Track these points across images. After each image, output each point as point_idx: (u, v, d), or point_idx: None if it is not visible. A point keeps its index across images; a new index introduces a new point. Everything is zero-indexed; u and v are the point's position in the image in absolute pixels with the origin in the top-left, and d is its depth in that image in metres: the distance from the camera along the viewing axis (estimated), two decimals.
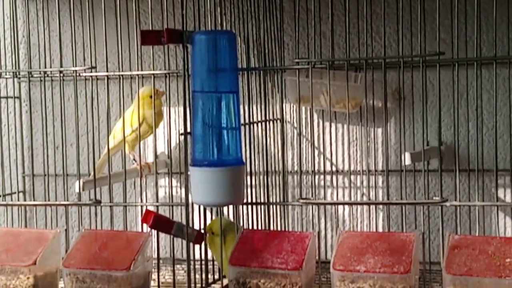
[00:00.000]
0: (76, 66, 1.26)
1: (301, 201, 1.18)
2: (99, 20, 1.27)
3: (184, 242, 1.20)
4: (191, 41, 1.14)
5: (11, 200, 1.48)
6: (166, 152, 1.52)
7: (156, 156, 1.37)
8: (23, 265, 1.15)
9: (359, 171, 1.44)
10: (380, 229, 1.45)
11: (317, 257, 1.17)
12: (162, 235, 1.24)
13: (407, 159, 1.24)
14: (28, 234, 1.22)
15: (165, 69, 1.33)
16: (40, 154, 1.52)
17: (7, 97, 1.52)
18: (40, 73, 1.35)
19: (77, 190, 1.29)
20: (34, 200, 1.51)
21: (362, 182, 1.44)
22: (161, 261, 1.47)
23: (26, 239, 1.20)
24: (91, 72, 1.26)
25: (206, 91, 1.14)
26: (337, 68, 1.33)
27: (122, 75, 1.28)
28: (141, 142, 1.49)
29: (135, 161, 1.43)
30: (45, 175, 1.43)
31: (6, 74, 1.37)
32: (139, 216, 1.53)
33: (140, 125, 1.33)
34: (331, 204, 1.35)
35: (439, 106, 1.16)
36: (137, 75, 1.29)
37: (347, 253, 1.11)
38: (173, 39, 1.13)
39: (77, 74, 1.26)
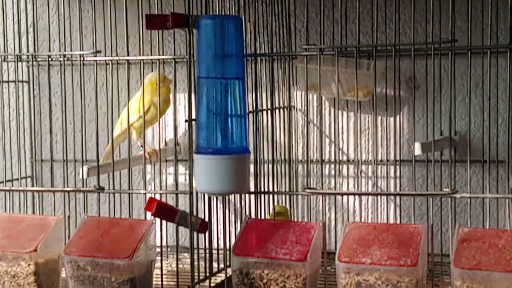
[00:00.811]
0: (83, 50, 1.24)
1: (307, 190, 1.15)
2: (108, 5, 1.26)
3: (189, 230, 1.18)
4: (197, 25, 1.11)
5: (20, 185, 1.47)
6: (174, 139, 1.50)
7: (165, 143, 1.36)
8: (24, 251, 1.14)
9: (370, 160, 1.41)
10: (392, 220, 1.41)
11: (323, 248, 1.15)
12: (166, 223, 1.22)
13: (417, 149, 1.21)
14: (30, 220, 1.21)
15: (174, 55, 1.31)
16: (48, 139, 1.51)
17: (16, 81, 1.50)
18: (44, 57, 1.34)
19: (81, 177, 1.28)
20: (41, 186, 1.50)
21: (373, 172, 1.41)
22: (168, 249, 1.46)
23: (28, 225, 1.19)
24: (96, 56, 1.24)
25: (211, 77, 1.11)
26: (349, 55, 1.30)
27: (128, 60, 1.25)
28: (150, 129, 1.47)
29: (142, 148, 1.41)
30: (52, 160, 1.42)
31: (8, 58, 1.36)
32: (143, 204, 1.52)
33: (147, 111, 1.31)
34: (337, 194, 1.32)
35: (452, 95, 1.13)
36: (145, 60, 1.27)
37: (353, 244, 1.09)
38: (179, 23, 1.11)
39: (82, 58, 1.24)
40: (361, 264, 1.06)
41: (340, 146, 1.44)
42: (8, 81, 1.42)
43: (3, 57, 1.31)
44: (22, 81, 1.52)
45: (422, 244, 1.07)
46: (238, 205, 1.29)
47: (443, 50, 1.15)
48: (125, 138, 1.43)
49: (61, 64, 1.28)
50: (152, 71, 1.39)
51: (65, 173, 1.31)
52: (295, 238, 1.12)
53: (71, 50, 1.26)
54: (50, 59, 1.31)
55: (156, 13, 1.28)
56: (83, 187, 1.28)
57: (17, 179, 1.44)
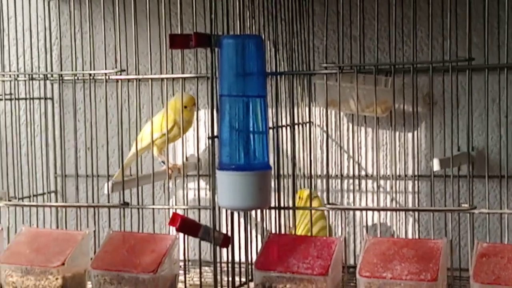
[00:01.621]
0: (107, 68, 1.27)
1: (328, 206, 1.17)
2: (130, 23, 1.28)
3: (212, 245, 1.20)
4: (219, 45, 1.14)
5: (43, 200, 1.50)
6: (195, 155, 1.52)
7: (186, 159, 1.38)
8: (52, 266, 1.17)
9: (388, 176, 1.43)
10: (410, 235, 1.43)
11: (344, 263, 1.17)
12: (189, 238, 1.25)
13: (435, 165, 1.23)
14: (57, 235, 1.24)
15: (196, 73, 1.34)
16: (71, 155, 1.54)
17: (39, 98, 1.54)
18: (71, 76, 1.37)
19: (106, 192, 1.30)
20: (65, 201, 1.53)
21: (391, 187, 1.43)
22: (190, 263, 1.48)
23: (55, 239, 1.21)
24: (121, 75, 1.27)
25: (233, 95, 1.14)
26: (367, 72, 1.32)
27: (152, 79, 1.28)
28: (171, 145, 1.50)
29: (163, 163, 1.44)
30: (76, 176, 1.45)
31: (38, 77, 1.39)
32: (168, 217, 1.55)
33: (170, 129, 1.34)
34: (357, 209, 1.34)
35: (470, 112, 1.15)
36: (167, 78, 1.30)
37: (373, 259, 1.10)
38: (201, 43, 1.14)
39: (107, 77, 1.27)
40: (382, 279, 1.08)
41: (359, 162, 1.46)
42: (32, 98, 1.45)
43: (30, 75, 1.34)
44: (46, 98, 1.55)
45: (442, 259, 1.09)
46: (259, 219, 1.31)
47: (461, 68, 1.17)
48: (143, 153, 1.45)
49: (84, 82, 1.31)
50: (173, 88, 1.41)
51: (92, 188, 1.34)
52: (316, 252, 1.14)
53: (94, 68, 1.29)
54: (76, 77, 1.34)
55: (177, 31, 1.30)
56: (108, 202, 1.30)
57: (41, 194, 1.47)
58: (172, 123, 1.37)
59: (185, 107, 1.37)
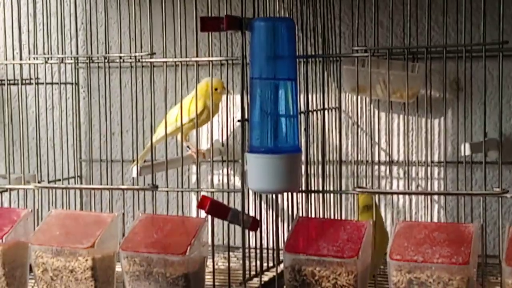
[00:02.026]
0: (136, 52, 1.27)
1: (358, 189, 1.17)
2: (157, 8, 1.28)
3: (238, 229, 1.20)
4: (250, 28, 1.14)
5: (69, 184, 1.50)
6: (220, 140, 1.52)
7: (211, 144, 1.38)
8: (82, 247, 1.17)
9: (414, 162, 1.43)
10: (436, 221, 1.43)
11: (373, 247, 1.16)
12: (216, 222, 1.25)
13: (467, 150, 1.23)
14: (86, 217, 1.24)
15: (221, 56, 1.33)
16: (97, 139, 1.54)
17: (65, 83, 1.54)
18: (99, 59, 1.37)
19: (133, 175, 1.31)
20: (91, 185, 1.54)
21: (417, 173, 1.43)
22: (215, 248, 1.48)
23: (84, 222, 1.22)
24: (150, 58, 1.27)
25: (264, 78, 1.14)
26: (395, 57, 1.32)
27: (180, 62, 1.28)
28: (194, 130, 1.50)
29: (189, 149, 1.44)
30: (101, 160, 1.45)
31: (67, 59, 1.39)
32: (192, 202, 1.55)
33: (200, 114, 1.34)
34: (387, 193, 1.34)
35: (501, 96, 1.15)
36: (195, 61, 1.30)
37: (404, 242, 1.10)
38: (232, 25, 1.14)
39: (137, 60, 1.27)
40: (412, 262, 1.08)
41: (384, 148, 1.45)
42: (60, 83, 1.45)
43: (61, 59, 1.34)
44: (73, 83, 1.55)
45: (473, 243, 1.08)
46: (286, 204, 1.31)
47: (490, 52, 1.17)
48: (169, 138, 1.45)
49: (118, 66, 1.31)
50: (198, 72, 1.41)
51: (121, 173, 1.34)
52: (346, 236, 1.13)
53: (120, 52, 1.29)
54: (105, 60, 1.34)
55: (208, 15, 1.30)
56: (136, 185, 1.30)
57: (66, 178, 1.48)
58: (202, 107, 1.37)
59: (216, 89, 1.37)
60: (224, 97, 1.42)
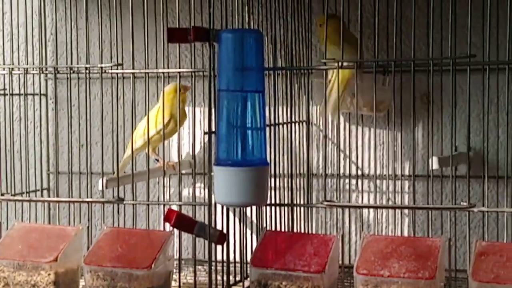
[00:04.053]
0: (103, 63, 1.26)
1: (326, 203, 1.16)
2: (126, 19, 1.27)
3: (206, 243, 1.19)
4: (217, 39, 1.13)
5: (35, 197, 1.48)
6: (190, 153, 1.51)
7: (180, 156, 1.36)
8: (45, 261, 1.15)
9: (385, 175, 1.42)
10: (405, 235, 1.42)
11: (340, 261, 1.15)
12: (184, 236, 1.23)
13: (434, 163, 1.22)
14: (50, 230, 1.22)
15: (191, 68, 1.32)
16: (65, 152, 1.52)
17: (33, 94, 1.52)
18: (66, 69, 1.35)
19: (100, 188, 1.29)
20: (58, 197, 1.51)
21: (388, 187, 1.42)
22: (182, 262, 1.46)
23: (48, 235, 1.20)
24: (117, 69, 1.25)
25: (231, 90, 1.13)
26: (365, 70, 1.31)
27: (148, 73, 1.27)
28: (166, 142, 1.49)
29: (157, 161, 1.42)
30: (69, 173, 1.43)
31: (33, 70, 1.37)
32: (162, 216, 1.53)
33: (166, 124, 1.33)
34: (355, 207, 1.33)
35: (469, 110, 1.14)
36: (163, 73, 1.29)
37: (371, 257, 1.09)
38: (200, 37, 1.13)
39: (103, 71, 1.26)
40: (379, 277, 1.07)
41: (355, 161, 1.45)
42: (27, 94, 1.43)
43: (25, 69, 1.32)
44: (40, 94, 1.53)
45: (440, 258, 1.08)
46: (254, 217, 1.30)
47: (460, 66, 1.17)
48: (140, 152, 1.44)
49: (85, 77, 1.29)
50: (169, 83, 1.40)
51: (89, 185, 1.32)
52: (313, 250, 1.12)
53: (89, 63, 1.28)
54: (71, 71, 1.33)
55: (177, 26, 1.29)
56: (102, 198, 1.29)
57: (34, 191, 1.45)
58: (169, 116, 1.35)
59: (175, 91, 1.35)
60: (195, 109, 1.40)
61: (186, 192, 1.54)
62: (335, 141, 1.37)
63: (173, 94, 1.36)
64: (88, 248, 1.23)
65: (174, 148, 1.54)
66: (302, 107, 1.41)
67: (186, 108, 1.45)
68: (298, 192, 1.38)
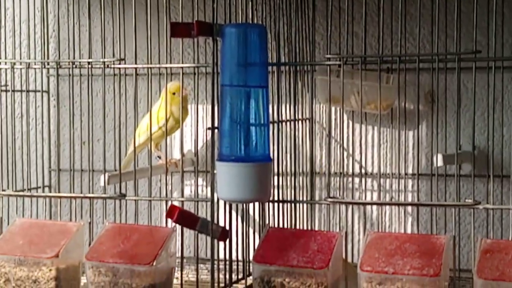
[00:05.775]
0: (105, 58, 1.25)
1: (329, 200, 1.15)
2: (129, 16, 1.27)
3: (208, 242, 1.18)
4: (221, 34, 1.12)
5: (37, 193, 1.47)
6: (193, 150, 1.50)
7: (183, 154, 1.36)
8: (46, 257, 1.14)
9: (388, 174, 1.41)
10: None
11: (344, 257, 1.14)
12: (186, 234, 1.22)
13: (439, 161, 1.21)
14: (52, 226, 1.21)
15: (194, 63, 1.31)
16: (66, 149, 1.51)
17: (35, 91, 1.51)
18: (68, 64, 1.34)
19: (102, 184, 1.28)
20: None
21: (391, 186, 1.41)
22: (184, 260, 1.46)
23: (49, 231, 1.19)
24: (120, 64, 1.25)
25: (235, 85, 1.12)
26: (369, 67, 1.30)
27: (150, 68, 1.26)
28: (168, 139, 1.48)
29: (159, 158, 1.41)
30: (71, 170, 1.42)
31: (35, 65, 1.36)
32: (164, 212, 1.52)
33: (167, 121, 1.32)
34: (359, 204, 1.32)
35: (474, 107, 1.13)
36: (166, 68, 1.28)
37: (375, 254, 1.08)
38: (203, 31, 1.12)
39: (106, 66, 1.25)
40: (383, 273, 1.06)
41: (358, 159, 1.44)
42: (29, 90, 1.42)
43: (28, 64, 1.31)
44: (42, 91, 1.53)
45: (445, 255, 1.07)
46: (257, 214, 1.29)
47: (465, 63, 1.16)
48: (143, 149, 1.43)
49: (87, 73, 1.28)
50: (171, 80, 1.39)
51: (91, 182, 1.31)
52: (317, 246, 1.11)
53: (89, 58, 1.27)
54: (73, 66, 1.32)
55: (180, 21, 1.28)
56: (104, 194, 1.28)
57: (35, 188, 1.44)
58: (168, 115, 1.35)
59: (174, 93, 1.35)
60: (197, 106, 1.40)
61: (188, 191, 1.53)
62: (339, 139, 1.36)
63: (170, 95, 1.36)
64: (89, 244, 1.22)
65: (176, 145, 1.53)
66: (306, 105, 1.40)
67: (189, 106, 1.44)
68: (301, 191, 1.37)
